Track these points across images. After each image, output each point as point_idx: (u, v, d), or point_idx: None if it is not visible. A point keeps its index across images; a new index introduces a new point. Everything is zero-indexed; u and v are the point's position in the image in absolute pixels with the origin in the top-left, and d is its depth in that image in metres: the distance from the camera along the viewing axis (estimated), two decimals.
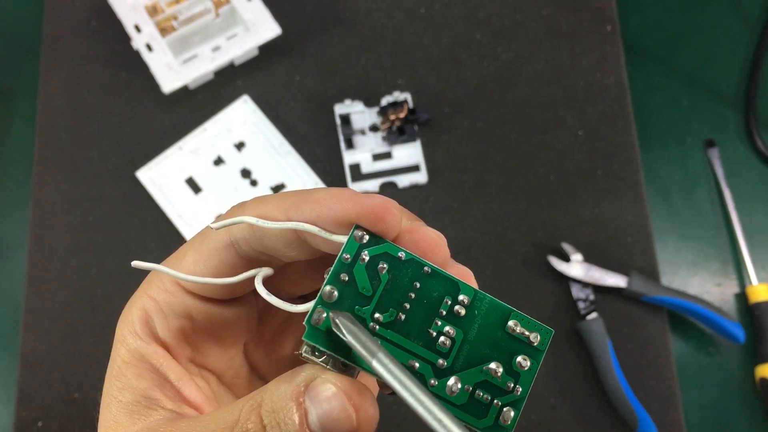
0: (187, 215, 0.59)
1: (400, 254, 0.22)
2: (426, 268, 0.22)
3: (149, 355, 0.24)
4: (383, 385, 0.22)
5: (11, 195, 0.61)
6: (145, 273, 0.25)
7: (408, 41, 0.64)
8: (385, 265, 0.21)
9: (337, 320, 0.20)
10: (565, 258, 0.58)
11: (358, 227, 0.21)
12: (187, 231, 0.58)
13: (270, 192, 0.60)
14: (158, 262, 0.26)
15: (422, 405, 0.19)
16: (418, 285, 0.21)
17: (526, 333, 0.22)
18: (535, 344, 0.22)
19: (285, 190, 0.60)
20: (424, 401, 0.19)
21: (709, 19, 0.68)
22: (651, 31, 0.68)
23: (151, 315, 0.25)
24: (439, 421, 0.18)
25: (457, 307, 0.22)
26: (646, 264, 0.59)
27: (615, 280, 0.57)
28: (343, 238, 0.21)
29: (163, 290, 0.25)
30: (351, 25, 0.65)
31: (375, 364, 0.19)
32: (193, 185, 0.60)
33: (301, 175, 0.60)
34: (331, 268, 0.21)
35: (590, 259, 0.58)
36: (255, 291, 0.25)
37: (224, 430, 0.21)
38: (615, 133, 0.62)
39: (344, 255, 0.21)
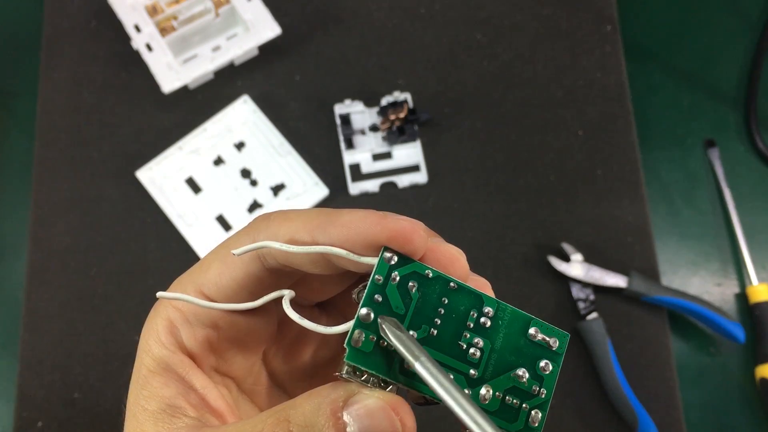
0: (187, 215, 0.59)
1: (427, 272, 0.22)
2: (452, 284, 0.23)
3: (175, 364, 0.24)
4: (415, 395, 0.23)
5: (11, 195, 0.61)
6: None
7: (408, 41, 0.64)
8: (414, 284, 0.22)
9: (384, 325, 0.21)
10: (565, 258, 0.58)
11: (386, 249, 0.22)
12: (187, 231, 0.58)
13: (270, 192, 0.60)
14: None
15: (461, 407, 0.19)
16: (446, 300, 0.22)
17: (546, 338, 0.23)
18: (555, 348, 0.23)
19: (285, 190, 0.60)
20: (463, 404, 0.19)
21: (709, 19, 0.68)
22: (651, 31, 0.68)
23: (176, 324, 0.25)
24: (478, 424, 0.19)
25: (483, 319, 0.23)
26: (646, 264, 0.59)
27: (615, 280, 0.57)
28: (371, 260, 0.22)
29: None
30: (351, 25, 0.65)
31: (417, 366, 0.20)
32: (193, 185, 0.60)
33: (301, 175, 0.60)
34: (365, 291, 0.22)
35: (590, 259, 0.58)
36: (275, 300, 0.25)
37: None
38: (615, 133, 0.62)
39: (376, 276, 0.22)
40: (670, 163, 0.64)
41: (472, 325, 0.22)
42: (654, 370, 0.57)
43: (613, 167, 0.61)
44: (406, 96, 0.62)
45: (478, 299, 0.23)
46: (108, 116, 0.61)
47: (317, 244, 0.22)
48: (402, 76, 0.63)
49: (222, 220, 0.59)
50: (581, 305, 0.57)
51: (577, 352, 0.57)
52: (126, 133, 0.61)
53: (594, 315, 0.57)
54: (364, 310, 0.21)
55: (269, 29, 0.61)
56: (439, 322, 0.22)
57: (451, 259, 0.23)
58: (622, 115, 0.63)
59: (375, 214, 0.22)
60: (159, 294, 0.24)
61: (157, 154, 0.60)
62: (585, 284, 0.58)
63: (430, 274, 0.22)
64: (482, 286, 0.23)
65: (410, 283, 0.22)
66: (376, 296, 0.22)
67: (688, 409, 0.57)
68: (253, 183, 0.60)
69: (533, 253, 0.59)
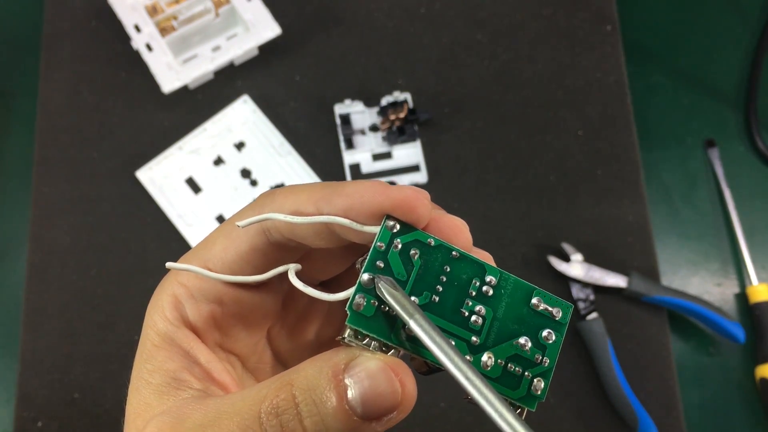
0: (187, 215, 0.59)
1: (429, 240, 0.23)
2: (454, 253, 0.23)
3: (179, 339, 0.24)
4: (419, 363, 0.23)
5: (11, 195, 0.61)
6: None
7: (408, 41, 0.64)
8: (416, 252, 0.22)
9: (380, 284, 0.21)
10: (565, 258, 0.58)
11: (389, 217, 0.22)
12: (187, 231, 0.58)
13: None
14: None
15: (453, 363, 0.20)
16: (448, 269, 0.23)
17: (549, 308, 0.23)
18: (558, 318, 0.23)
19: None
20: (455, 360, 0.20)
21: (709, 19, 0.68)
22: (651, 31, 0.68)
23: (181, 300, 0.25)
24: (469, 379, 0.19)
25: (485, 288, 0.23)
26: (646, 264, 0.59)
27: (615, 280, 0.57)
28: (374, 229, 0.22)
29: (193, 276, 0.25)
30: (351, 25, 0.65)
31: (412, 323, 0.20)
32: (193, 185, 0.60)
33: (301, 175, 0.60)
34: (367, 257, 0.22)
35: (590, 259, 0.58)
36: (279, 277, 0.25)
37: (251, 407, 0.21)
38: (615, 133, 0.62)
39: (378, 243, 0.22)
40: (670, 163, 0.64)
41: (474, 293, 0.23)
42: (654, 370, 0.57)
43: (613, 167, 0.61)
44: (406, 96, 0.62)
45: (481, 268, 0.23)
46: (108, 116, 0.61)
47: (322, 215, 0.23)
48: (402, 76, 0.63)
49: (222, 220, 0.59)
50: (581, 305, 0.57)
51: (577, 352, 0.57)
52: (126, 133, 0.61)
53: (594, 315, 0.57)
54: (366, 276, 0.22)
55: (269, 29, 0.61)
56: (440, 289, 0.22)
57: (454, 230, 0.23)
58: (622, 115, 0.63)
59: (379, 183, 0.22)
60: (168, 264, 0.24)
61: (157, 154, 0.60)
62: (585, 284, 0.58)
63: (433, 243, 0.23)
64: (485, 258, 0.24)
65: (412, 251, 0.22)
66: (378, 262, 0.22)
67: (688, 409, 0.57)
68: (253, 183, 0.60)
69: (533, 253, 0.59)
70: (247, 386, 0.26)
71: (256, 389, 0.22)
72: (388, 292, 0.21)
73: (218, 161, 0.61)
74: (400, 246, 0.22)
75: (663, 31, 0.68)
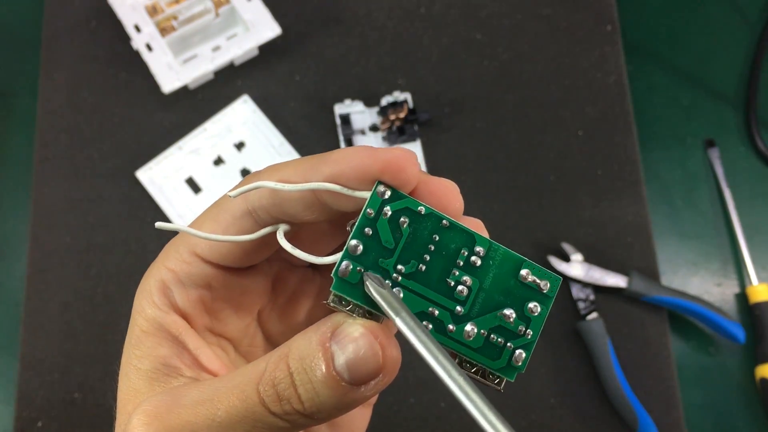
0: (187, 215, 0.59)
1: (420, 209, 0.23)
2: (444, 222, 0.23)
3: (168, 325, 0.24)
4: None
5: (11, 195, 0.61)
6: (160, 245, 0.26)
7: (408, 41, 0.64)
8: (406, 220, 0.22)
9: (367, 282, 0.21)
10: (565, 258, 0.58)
11: (380, 183, 0.22)
12: None
13: None
14: None
15: (440, 364, 0.20)
16: (437, 237, 0.23)
17: (537, 281, 0.23)
18: (545, 291, 0.23)
19: None
20: (441, 360, 0.20)
21: (709, 19, 0.68)
22: (651, 31, 0.68)
23: (169, 286, 0.25)
24: (454, 379, 0.19)
25: (473, 258, 0.23)
26: (646, 264, 0.59)
27: (615, 280, 0.57)
28: (364, 194, 0.22)
29: (181, 261, 0.25)
30: (351, 25, 0.65)
31: (398, 321, 0.21)
32: (193, 185, 0.60)
33: None
34: (356, 223, 0.22)
35: (590, 259, 0.58)
36: (268, 259, 0.25)
37: (251, 381, 0.21)
38: (615, 133, 0.62)
39: (368, 210, 0.22)
40: (670, 163, 0.64)
41: (461, 263, 0.23)
42: (654, 370, 0.57)
43: (613, 167, 0.61)
44: (406, 96, 0.62)
45: (470, 238, 0.23)
46: (108, 116, 0.61)
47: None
48: (402, 76, 0.63)
49: None
50: (581, 305, 0.57)
51: (577, 352, 0.57)
52: (126, 133, 0.61)
53: (594, 315, 0.57)
54: (353, 242, 0.22)
55: (269, 29, 0.61)
56: (428, 258, 0.22)
57: (444, 191, 0.23)
58: (622, 115, 0.63)
59: (367, 147, 0.22)
60: (158, 224, 0.24)
61: (157, 154, 0.60)
62: (585, 284, 0.58)
63: (423, 211, 0.23)
64: (476, 226, 0.23)
65: (402, 219, 0.22)
66: (366, 229, 0.22)
67: (688, 409, 0.57)
68: None
69: (533, 253, 0.59)
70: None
71: (253, 364, 0.22)
72: (375, 290, 0.21)
73: (218, 161, 0.61)
74: (389, 213, 0.22)
75: (663, 31, 0.68)
